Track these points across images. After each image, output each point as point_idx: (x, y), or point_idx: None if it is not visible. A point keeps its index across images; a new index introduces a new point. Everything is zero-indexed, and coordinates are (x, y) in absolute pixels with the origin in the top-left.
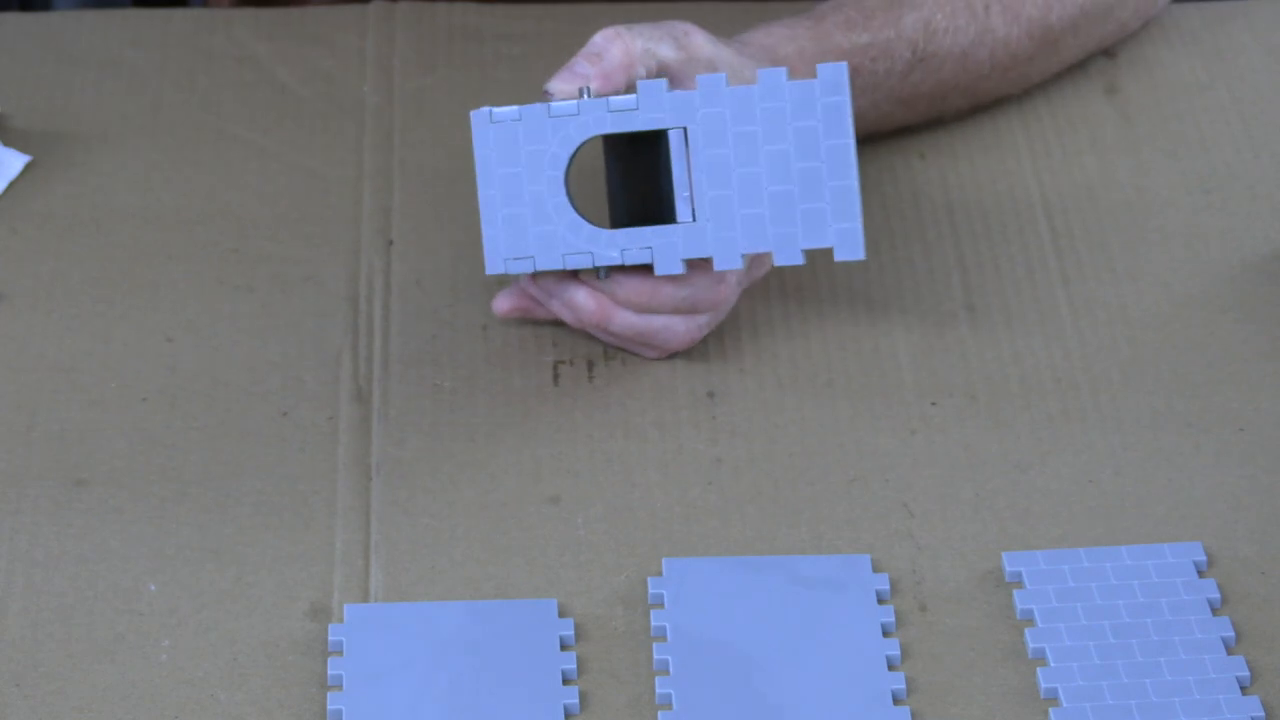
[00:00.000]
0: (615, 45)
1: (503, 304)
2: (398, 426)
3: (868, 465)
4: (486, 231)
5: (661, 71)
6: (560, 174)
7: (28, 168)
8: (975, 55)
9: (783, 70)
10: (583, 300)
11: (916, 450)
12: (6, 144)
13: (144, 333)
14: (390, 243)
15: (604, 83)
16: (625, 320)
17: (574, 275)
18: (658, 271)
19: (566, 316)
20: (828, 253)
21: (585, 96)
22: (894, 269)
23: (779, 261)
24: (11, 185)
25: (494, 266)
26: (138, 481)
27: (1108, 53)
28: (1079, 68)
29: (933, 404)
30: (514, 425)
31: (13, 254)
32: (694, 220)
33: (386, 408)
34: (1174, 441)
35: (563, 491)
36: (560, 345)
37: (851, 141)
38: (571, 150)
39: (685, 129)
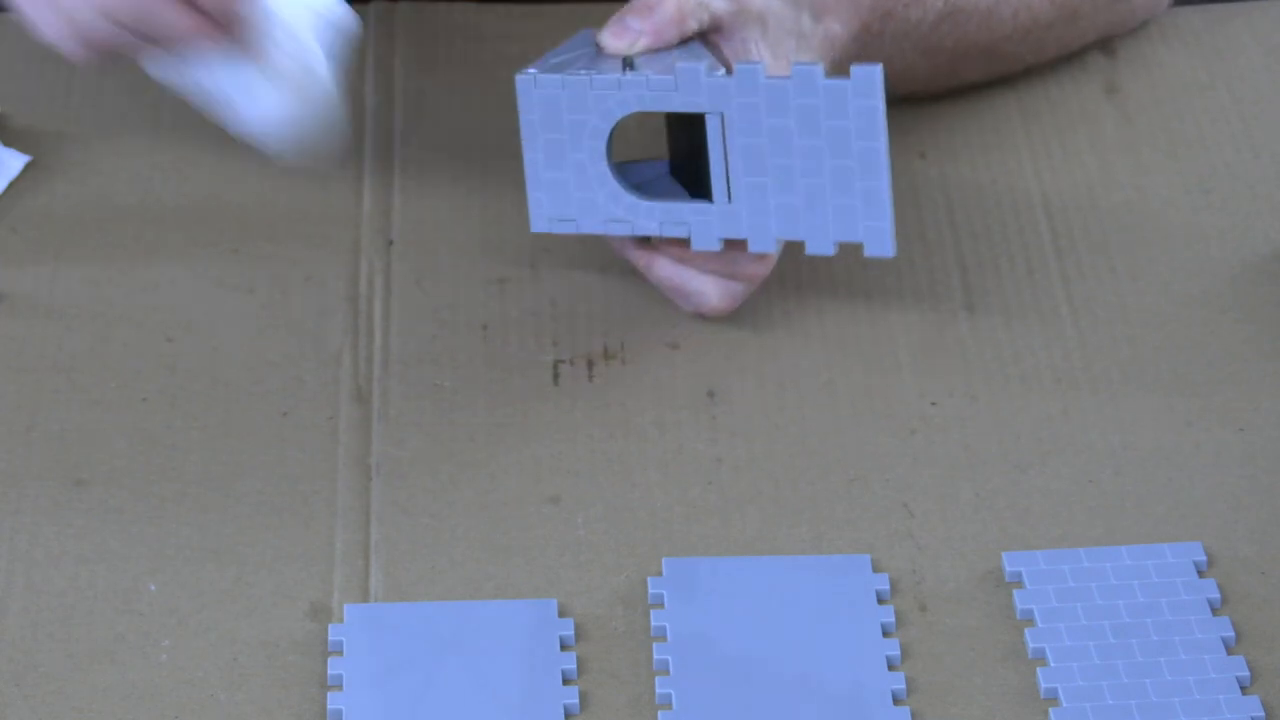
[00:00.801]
0: None
1: None
2: (398, 426)
3: (868, 465)
4: (532, 194)
5: (713, 24)
6: (601, 144)
7: (28, 168)
8: (999, 13)
9: (818, 68)
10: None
11: (916, 450)
12: (6, 144)
13: (144, 333)
14: (390, 243)
15: (655, 39)
16: (664, 269)
17: None
18: (695, 248)
19: (615, 245)
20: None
21: (629, 70)
22: (894, 269)
23: (811, 251)
24: (11, 185)
25: (538, 225)
26: (138, 481)
27: (1108, 52)
28: (1079, 67)
29: (933, 404)
30: (514, 425)
31: (13, 254)
32: (730, 202)
33: (386, 408)
34: (1174, 441)
35: (563, 491)
36: (560, 345)
37: (883, 144)
38: (612, 124)
39: (722, 115)
